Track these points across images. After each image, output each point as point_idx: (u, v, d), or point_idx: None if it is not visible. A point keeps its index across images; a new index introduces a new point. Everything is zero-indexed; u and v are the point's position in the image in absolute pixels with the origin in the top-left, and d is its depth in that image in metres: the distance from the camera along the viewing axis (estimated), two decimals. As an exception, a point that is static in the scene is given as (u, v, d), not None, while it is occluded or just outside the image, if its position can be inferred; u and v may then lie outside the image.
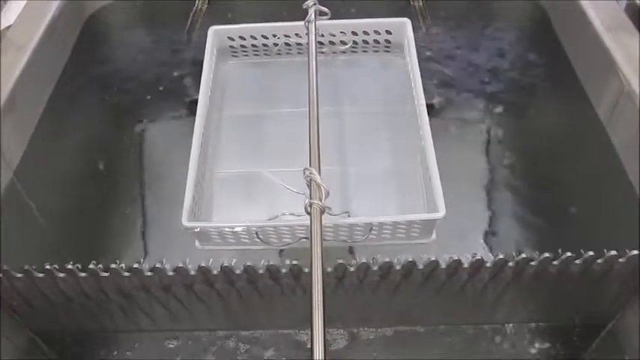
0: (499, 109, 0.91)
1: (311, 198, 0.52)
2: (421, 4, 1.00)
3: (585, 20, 0.81)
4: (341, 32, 0.82)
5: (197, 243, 0.67)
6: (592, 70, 0.80)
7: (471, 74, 0.94)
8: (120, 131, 0.91)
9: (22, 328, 0.68)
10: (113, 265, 0.58)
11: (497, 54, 0.97)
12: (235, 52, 0.85)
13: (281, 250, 0.71)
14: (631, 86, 0.69)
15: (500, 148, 0.87)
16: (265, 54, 0.85)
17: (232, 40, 0.83)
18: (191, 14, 1.00)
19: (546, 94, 0.91)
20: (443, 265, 0.57)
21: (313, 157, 0.56)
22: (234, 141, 0.78)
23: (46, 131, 0.79)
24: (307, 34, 0.73)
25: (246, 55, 0.86)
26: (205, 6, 1.01)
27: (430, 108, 0.82)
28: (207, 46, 0.79)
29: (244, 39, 0.83)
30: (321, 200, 0.51)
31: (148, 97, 0.94)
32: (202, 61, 0.77)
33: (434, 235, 0.67)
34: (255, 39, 0.83)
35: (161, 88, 0.95)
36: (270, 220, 0.64)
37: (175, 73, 0.96)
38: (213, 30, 0.81)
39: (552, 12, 0.94)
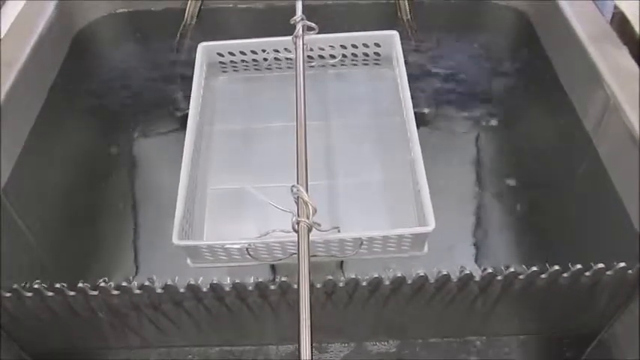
0: (486, 122, 0.92)
1: (298, 216, 0.52)
2: (409, 17, 1.00)
3: (570, 32, 0.82)
4: (330, 46, 0.82)
5: (188, 260, 0.67)
6: (578, 82, 0.81)
7: (459, 86, 0.95)
8: (110, 147, 0.91)
9: (12, 347, 0.68)
10: (102, 284, 0.57)
11: (484, 66, 0.97)
12: (225, 67, 0.85)
13: (272, 266, 0.72)
14: (617, 98, 0.70)
15: (489, 160, 0.87)
16: (255, 69, 0.85)
17: (222, 55, 0.83)
18: (180, 29, 1.00)
19: (533, 106, 0.92)
20: (432, 280, 0.57)
21: (301, 174, 0.57)
22: (224, 157, 0.77)
23: (35, 148, 0.79)
24: (295, 49, 0.73)
25: (236, 71, 0.86)
26: (194, 21, 1.01)
27: (420, 119, 0.82)
28: (196, 62, 0.79)
29: (234, 54, 0.83)
30: (308, 218, 0.52)
31: (138, 113, 0.94)
32: (192, 76, 0.77)
33: (425, 249, 0.67)
34: (245, 54, 0.83)
35: (151, 104, 0.95)
36: (260, 236, 0.64)
37: (165, 89, 0.96)
38: (202, 46, 0.81)
39: (538, 25, 0.95)
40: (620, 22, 0.82)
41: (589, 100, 0.76)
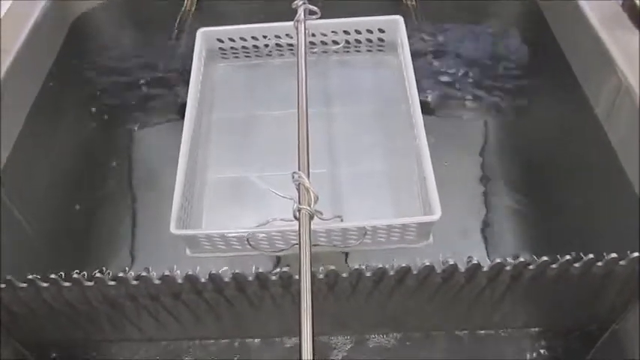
0: (495, 108, 0.90)
1: (300, 203, 0.51)
2: (414, 2, 0.98)
3: (581, 17, 0.79)
4: (332, 32, 0.81)
5: (187, 250, 0.66)
6: (589, 68, 0.79)
7: (466, 73, 0.93)
8: (107, 135, 0.89)
9: (7, 340, 0.66)
10: (98, 274, 0.56)
11: (492, 52, 0.95)
12: (225, 54, 0.83)
13: (277, 257, 0.70)
14: (629, 83, 0.68)
15: (497, 148, 0.85)
16: (256, 55, 0.84)
17: (222, 41, 0.82)
18: (179, 15, 0.99)
19: (543, 92, 0.90)
20: (438, 271, 0.56)
21: (302, 161, 0.55)
22: (224, 145, 0.76)
23: (31, 136, 0.78)
24: (297, 33, 0.71)
25: (237, 57, 0.84)
26: (194, 7, 0.99)
27: (425, 107, 0.80)
28: (195, 49, 0.78)
29: (234, 40, 0.81)
30: (310, 205, 0.50)
31: (137, 101, 0.92)
32: (191, 63, 0.76)
33: (430, 239, 0.65)
34: (245, 40, 0.82)
35: (150, 92, 0.93)
36: (260, 225, 0.63)
37: (164, 76, 0.94)
38: (201, 32, 0.80)
39: (547, 9, 0.93)
40: (630, 8, 0.80)
41: (600, 86, 0.74)
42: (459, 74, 0.92)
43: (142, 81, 0.94)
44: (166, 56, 0.96)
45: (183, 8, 0.99)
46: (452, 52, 0.95)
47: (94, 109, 0.91)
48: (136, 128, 0.89)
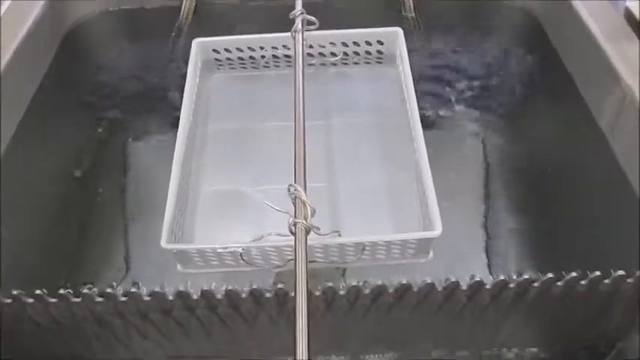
0: (496, 122, 0.88)
1: (295, 217, 0.49)
2: (413, 14, 0.97)
3: (582, 28, 0.78)
4: (330, 43, 0.80)
5: (178, 266, 0.64)
6: (591, 80, 0.77)
7: (466, 86, 0.92)
8: (101, 146, 0.87)
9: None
10: (85, 290, 0.54)
11: (492, 66, 0.94)
12: (221, 64, 0.82)
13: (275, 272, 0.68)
14: (634, 95, 0.67)
15: (498, 160, 0.84)
16: (252, 66, 0.82)
17: (217, 52, 0.80)
18: (176, 25, 0.97)
19: (545, 106, 0.89)
20: (439, 288, 0.54)
21: (298, 174, 0.54)
22: (219, 157, 0.74)
23: (22, 146, 0.76)
24: (294, 44, 0.70)
25: (233, 68, 0.83)
26: (190, 17, 0.98)
27: (424, 121, 0.79)
28: (191, 59, 0.77)
29: (230, 51, 0.80)
30: (306, 219, 0.48)
31: (131, 111, 0.91)
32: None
33: (430, 254, 0.64)
34: (242, 51, 0.80)
35: (145, 101, 0.92)
36: (255, 240, 0.61)
37: (160, 86, 0.93)
38: (197, 42, 0.79)
39: (546, 21, 0.92)
40: (629, 18, 0.79)
41: (603, 99, 0.73)
42: (459, 87, 0.91)
43: (136, 90, 0.92)
44: (162, 66, 0.94)
45: (179, 18, 0.98)
46: (451, 65, 0.94)
47: (87, 120, 0.90)
48: (130, 139, 0.87)
